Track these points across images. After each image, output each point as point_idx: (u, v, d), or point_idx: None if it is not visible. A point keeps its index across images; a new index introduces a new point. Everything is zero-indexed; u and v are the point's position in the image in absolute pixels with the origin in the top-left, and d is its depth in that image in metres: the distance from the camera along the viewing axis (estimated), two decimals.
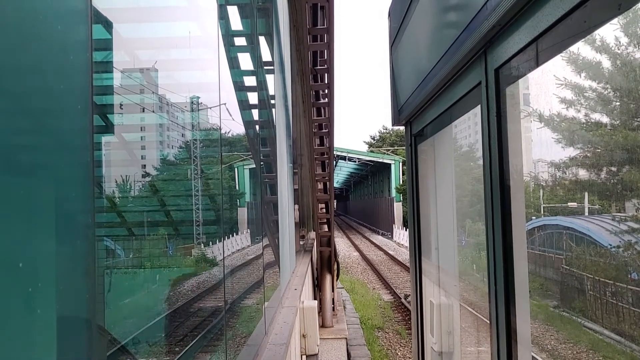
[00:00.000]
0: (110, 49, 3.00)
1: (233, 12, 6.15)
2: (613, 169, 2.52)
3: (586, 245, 3.42)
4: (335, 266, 14.01)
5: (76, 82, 1.34)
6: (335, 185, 60.57)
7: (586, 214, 3.15)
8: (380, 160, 57.72)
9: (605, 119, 2.49)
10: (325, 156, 12.21)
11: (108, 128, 3.67)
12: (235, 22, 6.30)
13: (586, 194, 3.07)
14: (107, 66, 3.20)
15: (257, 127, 7.34)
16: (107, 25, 2.60)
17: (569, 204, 3.30)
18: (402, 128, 4.80)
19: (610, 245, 3.00)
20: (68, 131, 1.32)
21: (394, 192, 53.04)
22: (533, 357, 2.37)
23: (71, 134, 1.33)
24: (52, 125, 1.25)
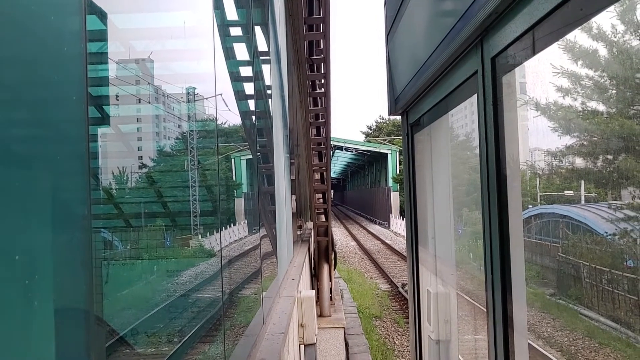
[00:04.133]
0: (105, 40, 2.98)
1: (228, 1, 6.11)
2: (609, 157, 2.53)
3: (582, 234, 3.44)
4: (333, 256, 14.05)
5: (70, 73, 1.33)
6: (332, 175, 60.60)
7: (582, 202, 3.16)
8: (377, 150, 57.73)
9: (601, 107, 2.49)
10: (322, 146, 12.22)
11: (104, 119, 3.66)
12: (231, 12, 6.26)
13: (582, 182, 3.08)
14: (102, 57, 3.18)
15: (253, 117, 7.32)
16: (102, 15, 2.58)
17: (565, 192, 3.31)
18: (398, 118, 4.79)
19: (607, 233, 3.02)
20: (63, 123, 1.31)
21: (391, 182, 53.12)
22: (529, 344, 2.39)
23: (66, 126, 1.32)
24: (46, 116, 1.25)
